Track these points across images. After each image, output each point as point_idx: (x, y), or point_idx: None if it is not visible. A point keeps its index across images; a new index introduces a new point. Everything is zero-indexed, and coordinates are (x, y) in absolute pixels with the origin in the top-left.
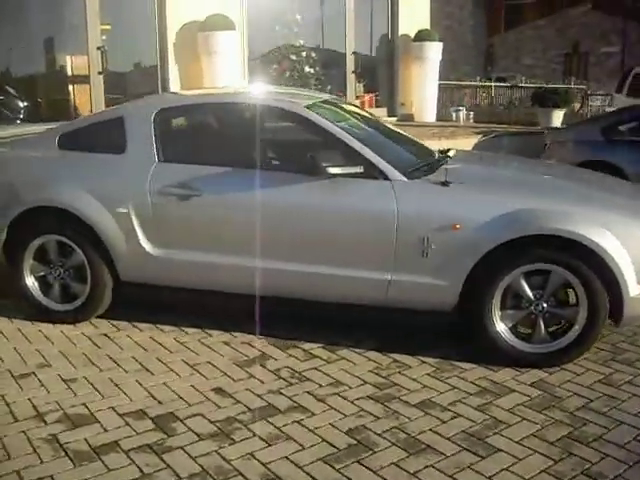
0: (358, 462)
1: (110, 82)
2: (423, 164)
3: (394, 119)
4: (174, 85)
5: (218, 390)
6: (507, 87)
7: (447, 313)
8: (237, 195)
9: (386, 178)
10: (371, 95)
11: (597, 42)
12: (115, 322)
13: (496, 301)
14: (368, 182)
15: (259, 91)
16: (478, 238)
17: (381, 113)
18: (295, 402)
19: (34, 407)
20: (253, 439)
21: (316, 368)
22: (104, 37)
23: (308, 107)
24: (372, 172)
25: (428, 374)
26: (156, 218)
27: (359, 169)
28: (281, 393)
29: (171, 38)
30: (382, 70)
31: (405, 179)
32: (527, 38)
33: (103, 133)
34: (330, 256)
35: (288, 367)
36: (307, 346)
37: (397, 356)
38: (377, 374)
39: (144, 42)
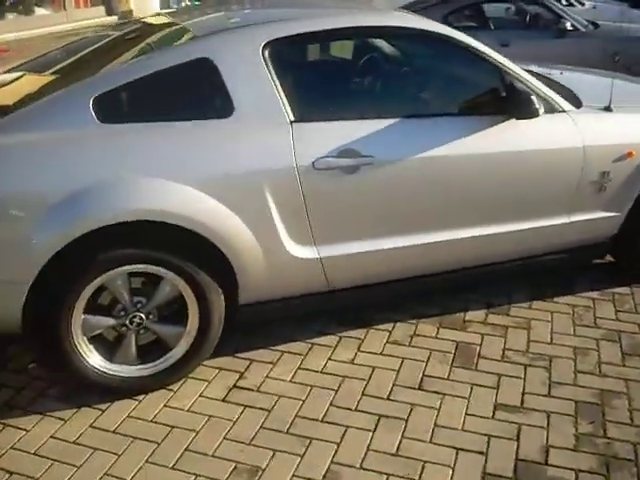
0: None
1: None
2: (565, 89)
3: (115, 19)
4: None
5: (503, 407)
6: None
7: (601, 245)
8: (425, 154)
9: (561, 111)
10: None
11: None
12: (212, 362)
13: None
14: (551, 117)
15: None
16: None
17: (98, 13)
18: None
19: None
20: None
21: (532, 341)
22: None
23: None
24: (548, 105)
25: (622, 311)
26: (310, 205)
27: None
28: (580, 386)
29: None
30: None
31: (576, 109)
32: None
33: (176, 88)
34: (519, 210)
35: (509, 349)
36: (472, 317)
37: (565, 300)
38: (587, 326)
39: None
